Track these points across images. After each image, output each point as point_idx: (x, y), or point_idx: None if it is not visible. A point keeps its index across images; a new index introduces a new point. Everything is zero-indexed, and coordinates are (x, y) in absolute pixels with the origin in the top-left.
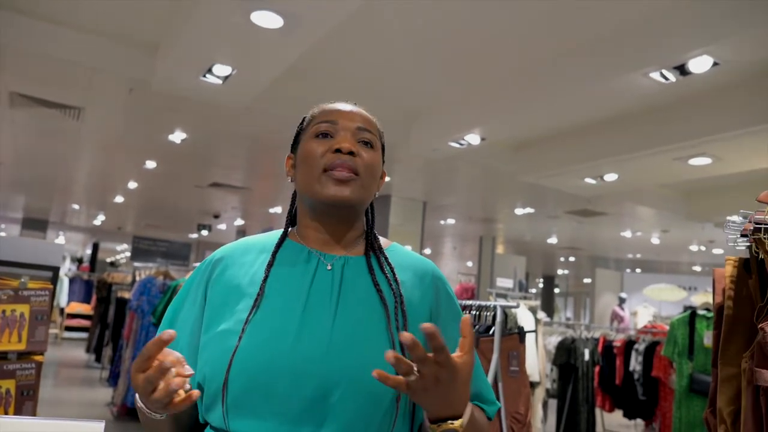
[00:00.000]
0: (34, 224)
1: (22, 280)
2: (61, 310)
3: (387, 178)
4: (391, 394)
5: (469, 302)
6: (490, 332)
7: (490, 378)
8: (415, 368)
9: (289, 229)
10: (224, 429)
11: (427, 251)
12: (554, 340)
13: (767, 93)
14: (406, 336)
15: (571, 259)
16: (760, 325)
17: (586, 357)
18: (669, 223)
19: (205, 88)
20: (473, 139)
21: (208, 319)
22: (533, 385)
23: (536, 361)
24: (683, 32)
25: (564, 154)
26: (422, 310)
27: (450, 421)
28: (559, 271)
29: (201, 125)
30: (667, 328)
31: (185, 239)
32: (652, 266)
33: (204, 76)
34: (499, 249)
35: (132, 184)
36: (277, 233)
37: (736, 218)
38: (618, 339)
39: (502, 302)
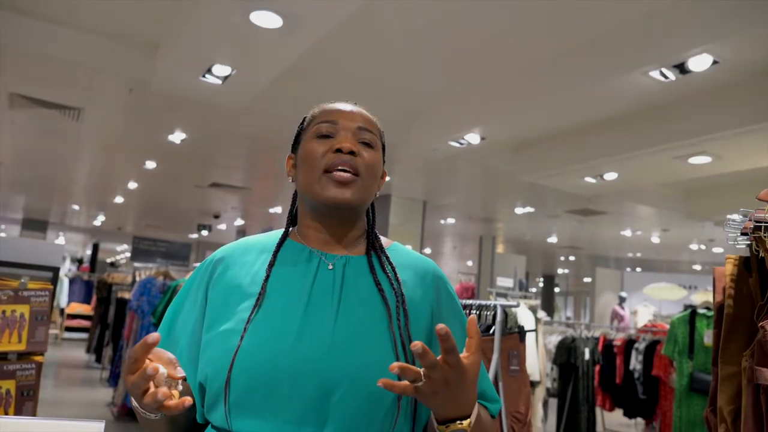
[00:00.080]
0: (34, 225)
1: (22, 280)
2: (61, 311)
3: (387, 178)
4: (392, 394)
5: (470, 302)
6: (491, 331)
7: (490, 377)
8: (423, 373)
9: (290, 228)
10: (227, 429)
11: (427, 251)
12: (554, 340)
13: (767, 91)
14: (416, 345)
15: (572, 258)
16: (760, 324)
17: (587, 356)
18: (669, 222)
19: (205, 88)
20: (473, 138)
21: (209, 319)
22: (533, 385)
23: (536, 361)
24: (683, 31)
25: (564, 153)
26: (424, 310)
27: (458, 422)
28: (560, 271)
29: (201, 125)
30: (668, 327)
31: (185, 239)
32: (653, 265)
33: (204, 76)
34: (500, 248)
35: (132, 185)
36: (278, 233)
37: (736, 217)
38: (618, 338)
39: (502, 301)
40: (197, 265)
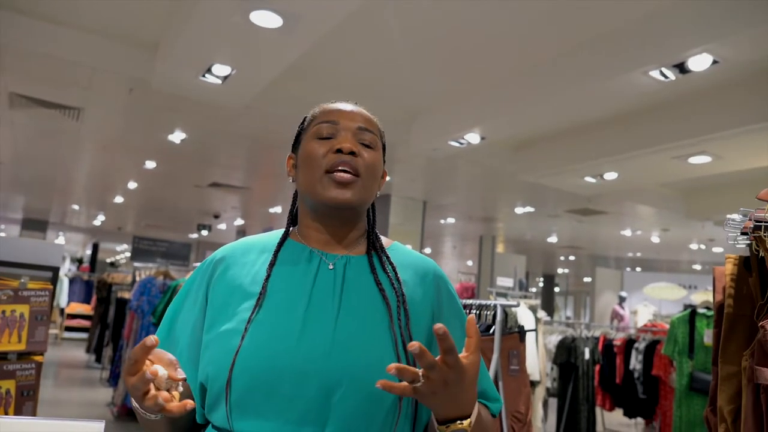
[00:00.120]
0: (34, 224)
1: (22, 280)
2: (61, 311)
3: (387, 178)
4: (393, 394)
5: (470, 301)
6: (491, 331)
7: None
8: (421, 373)
9: (291, 228)
10: (228, 429)
11: (428, 250)
12: (554, 339)
13: (767, 91)
14: (413, 345)
15: (571, 258)
16: (760, 323)
17: (587, 356)
18: (669, 222)
19: (205, 88)
20: (473, 138)
21: (210, 319)
22: (533, 384)
23: (536, 360)
24: (683, 31)
25: (564, 152)
26: (424, 309)
27: (459, 421)
28: (560, 270)
29: (201, 125)
30: (667, 326)
31: (185, 239)
32: (652, 265)
33: (203, 75)
34: (500, 248)
35: (132, 184)
36: (278, 233)
37: (736, 216)
38: (618, 338)
39: (502, 301)
40: (197, 264)
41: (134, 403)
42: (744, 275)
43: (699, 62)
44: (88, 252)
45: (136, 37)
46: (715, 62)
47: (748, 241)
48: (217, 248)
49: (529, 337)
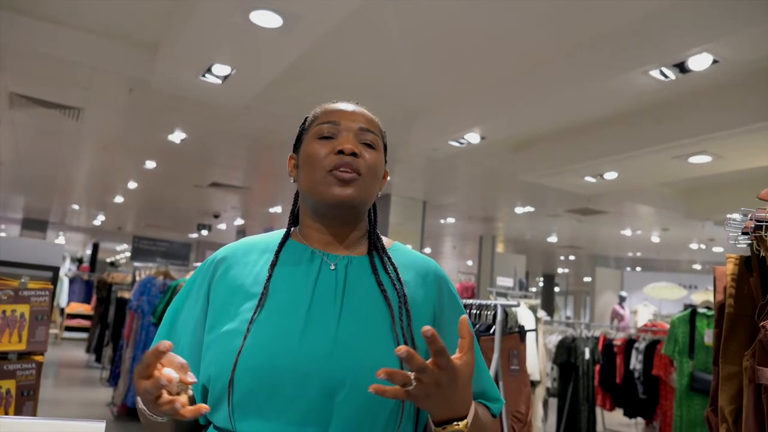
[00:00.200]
0: (34, 224)
1: (22, 280)
2: (61, 311)
3: (388, 178)
4: None
5: (470, 301)
6: (491, 331)
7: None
8: (413, 376)
9: (292, 229)
10: (230, 430)
11: (428, 250)
12: (555, 339)
13: (767, 91)
14: (401, 350)
15: (571, 257)
16: (761, 323)
17: (587, 356)
18: (669, 222)
19: (205, 88)
20: (473, 137)
21: (211, 319)
22: (534, 384)
23: (537, 360)
24: (683, 30)
25: (564, 152)
26: (426, 310)
27: (455, 422)
28: (560, 270)
29: (201, 125)
30: (668, 326)
31: (185, 239)
32: (653, 265)
33: (203, 75)
34: (499, 248)
35: (132, 184)
36: (279, 233)
37: (736, 216)
38: (618, 338)
39: (502, 301)
40: (197, 264)
41: (140, 405)
42: (745, 275)
43: (699, 62)
44: (88, 252)
45: (136, 37)
46: (715, 62)
47: (749, 241)
48: (217, 248)
49: (530, 337)
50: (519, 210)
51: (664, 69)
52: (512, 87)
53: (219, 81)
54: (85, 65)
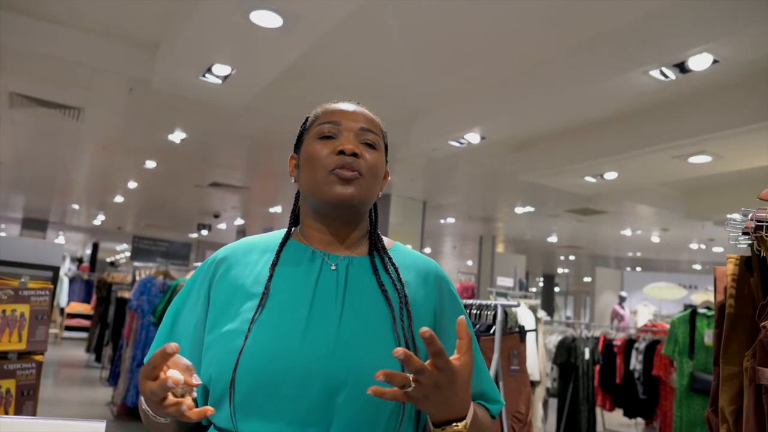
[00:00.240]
0: (34, 224)
1: (22, 280)
2: (61, 310)
3: (389, 178)
4: None
5: (470, 301)
6: (491, 331)
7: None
8: (411, 378)
9: (292, 229)
10: (231, 430)
11: (427, 250)
12: (555, 339)
13: (767, 91)
14: (398, 352)
15: (571, 257)
16: (762, 324)
17: (587, 356)
18: (669, 222)
19: (205, 88)
20: (473, 137)
21: (212, 319)
22: (534, 384)
23: (537, 360)
24: (683, 30)
25: (564, 152)
26: (426, 310)
27: (454, 424)
28: (560, 270)
29: (201, 125)
30: (668, 326)
31: (185, 239)
32: (653, 265)
33: (204, 75)
34: (499, 248)
35: (132, 184)
36: (279, 233)
37: (737, 216)
38: (618, 338)
39: (502, 301)
40: (197, 264)
41: (143, 405)
42: (745, 275)
43: (699, 62)
44: (88, 251)
45: (136, 37)
46: (715, 62)
47: (750, 241)
48: (217, 248)
49: (530, 337)
50: (519, 210)
51: (664, 69)
52: (512, 87)
53: (219, 81)
54: (85, 65)
